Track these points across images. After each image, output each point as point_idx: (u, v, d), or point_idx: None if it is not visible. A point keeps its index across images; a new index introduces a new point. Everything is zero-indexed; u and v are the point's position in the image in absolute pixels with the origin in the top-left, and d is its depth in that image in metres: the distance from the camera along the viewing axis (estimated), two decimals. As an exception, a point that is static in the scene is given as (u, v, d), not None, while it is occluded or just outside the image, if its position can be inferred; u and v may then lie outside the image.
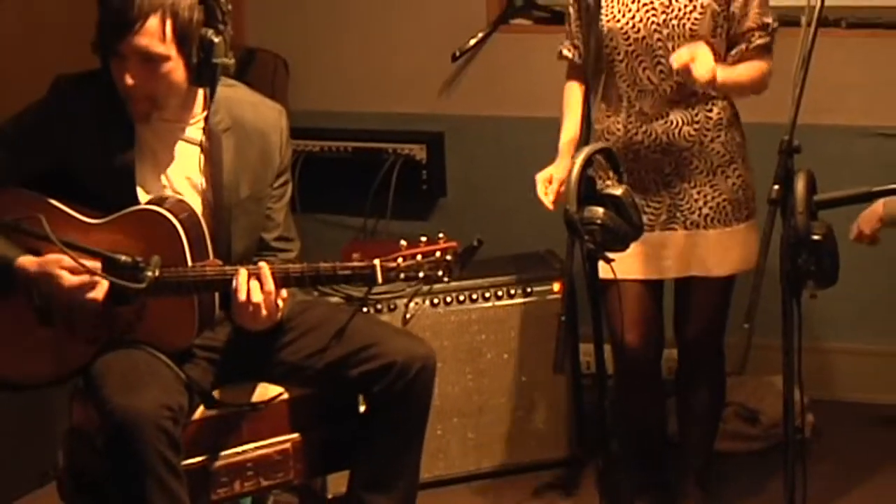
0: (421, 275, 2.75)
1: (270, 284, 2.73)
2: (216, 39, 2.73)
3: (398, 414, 2.88)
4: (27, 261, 2.73)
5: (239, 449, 2.88)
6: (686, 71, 2.97)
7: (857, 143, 3.98)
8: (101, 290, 2.70)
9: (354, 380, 2.88)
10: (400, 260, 2.73)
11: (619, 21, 3.15)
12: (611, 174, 2.88)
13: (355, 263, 2.74)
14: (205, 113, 2.86)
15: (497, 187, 4.34)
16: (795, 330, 2.44)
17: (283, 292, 2.77)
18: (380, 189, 4.28)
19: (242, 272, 2.73)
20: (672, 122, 3.18)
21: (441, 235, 2.77)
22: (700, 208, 3.21)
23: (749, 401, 3.91)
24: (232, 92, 2.87)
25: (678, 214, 3.22)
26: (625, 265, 2.85)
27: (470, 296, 3.69)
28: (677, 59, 2.98)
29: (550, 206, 3.14)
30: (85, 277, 2.69)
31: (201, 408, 2.84)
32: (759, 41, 3.16)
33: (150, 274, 2.63)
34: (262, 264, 2.75)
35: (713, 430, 3.47)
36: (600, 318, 2.77)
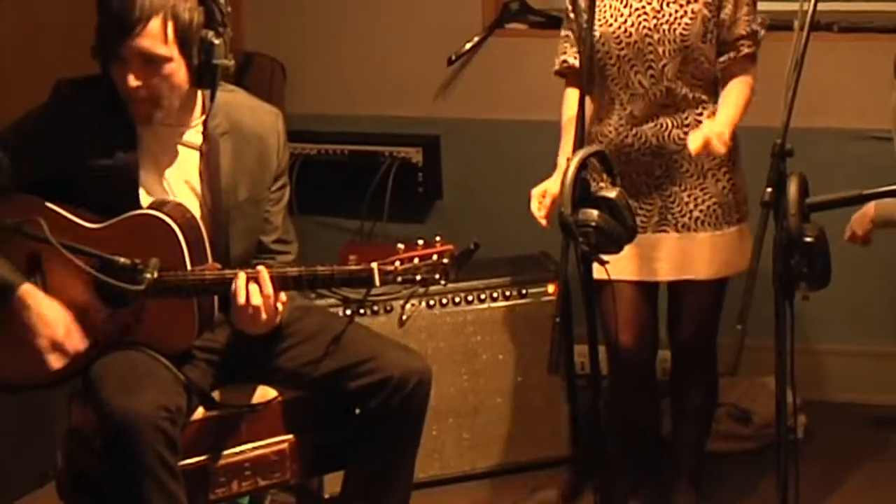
0: (418, 278, 2.75)
1: (269, 288, 2.73)
2: (216, 41, 2.74)
3: (394, 428, 2.89)
4: (32, 292, 2.72)
5: (237, 449, 2.89)
6: (706, 154, 2.99)
7: (850, 146, 3.99)
8: (63, 363, 2.72)
9: (352, 392, 2.88)
10: (397, 263, 2.74)
11: (611, 26, 3.16)
12: (604, 176, 2.90)
13: (353, 267, 2.74)
14: (203, 117, 2.86)
15: (493, 190, 4.34)
16: (788, 331, 2.45)
17: (283, 296, 2.77)
18: (376, 192, 4.28)
19: (241, 276, 2.73)
20: (662, 126, 3.19)
21: (438, 238, 2.78)
22: (690, 211, 3.22)
23: (742, 401, 3.91)
24: (230, 96, 2.88)
25: (669, 217, 3.23)
26: (619, 266, 2.86)
27: (465, 297, 3.70)
28: (693, 146, 2.99)
29: (543, 222, 3.16)
30: (71, 345, 2.71)
31: (200, 409, 2.84)
32: (747, 51, 3.18)
33: (148, 276, 2.64)
34: (261, 268, 2.76)
35: (706, 431, 3.48)
36: (595, 319, 2.78)
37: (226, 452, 2.87)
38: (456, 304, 3.70)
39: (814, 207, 2.42)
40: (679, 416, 3.46)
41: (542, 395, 3.76)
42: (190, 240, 2.77)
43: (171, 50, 2.71)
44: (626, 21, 3.16)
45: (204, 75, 2.76)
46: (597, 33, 3.14)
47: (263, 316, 2.74)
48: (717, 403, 3.54)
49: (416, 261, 2.74)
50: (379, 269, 2.73)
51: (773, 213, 2.42)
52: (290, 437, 2.94)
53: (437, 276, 2.76)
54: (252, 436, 2.90)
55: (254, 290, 2.73)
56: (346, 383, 2.87)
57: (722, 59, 3.19)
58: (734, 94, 3.17)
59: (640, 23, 3.14)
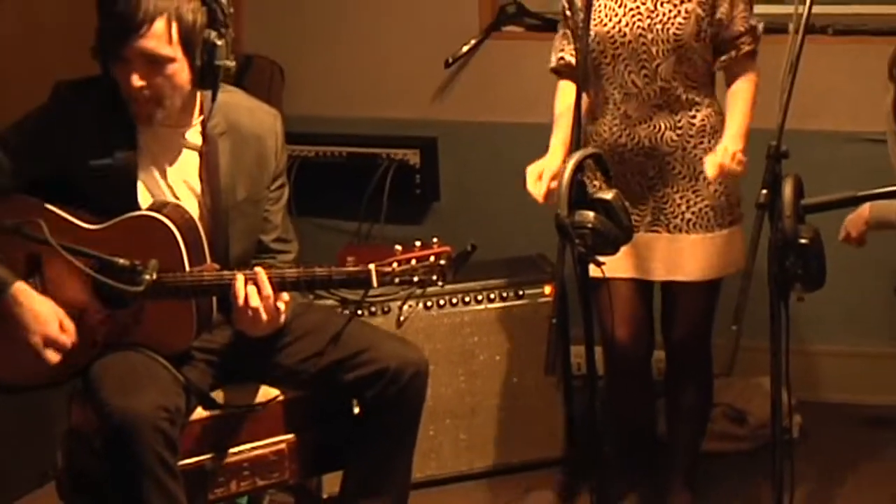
0: (415, 279, 2.76)
1: (268, 289, 2.74)
2: (219, 42, 2.75)
3: (391, 418, 2.89)
4: (24, 290, 2.71)
5: (235, 449, 2.90)
6: (725, 176, 2.99)
7: (844, 148, 4.00)
8: (58, 358, 2.72)
9: (348, 384, 2.89)
10: (395, 265, 2.75)
11: (605, 25, 3.17)
12: (598, 174, 2.91)
13: (351, 268, 2.75)
14: (202, 117, 2.87)
15: (489, 192, 4.35)
16: (783, 332, 2.46)
17: (285, 296, 2.78)
18: (374, 193, 4.29)
19: (239, 278, 2.74)
20: (655, 127, 3.20)
21: (435, 240, 2.79)
22: (683, 213, 3.22)
23: (737, 402, 3.91)
24: (229, 97, 2.88)
25: (662, 217, 3.24)
26: (614, 264, 2.87)
27: (462, 299, 3.71)
28: (710, 173, 3.00)
29: (540, 199, 3.12)
30: (65, 340, 2.71)
31: (199, 409, 2.85)
32: (748, 48, 3.18)
33: (147, 277, 2.64)
34: (259, 269, 2.76)
35: (701, 431, 3.49)
36: (591, 320, 2.79)
37: (225, 452, 2.88)
38: (453, 306, 3.71)
39: (809, 209, 2.43)
40: (673, 416, 3.47)
41: (538, 395, 3.77)
42: (188, 241, 2.77)
43: (175, 51, 2.71)
44: (620, 21, 3.16)
45: (206, 76, 2.77)
46: (592, 32, 3.14)
47: (264, 317, 2.76)
48: (711, 404, 3.54)
49: (413, 262, 2.75)
50: (377, 271, 2.74)
51: (768, 214, 2.43)
52: (288, 437, 2.95)
53: (434, 278, 2.77)
54: (251, 436, 2.91)
55: (252, 292, 2.74)
56: (342, 375, 2.88)
57: (723, 58, 3.20)
58: (740, 99, 3.17)
59: (634, 22, 3.15)
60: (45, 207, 2.79)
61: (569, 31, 3.30)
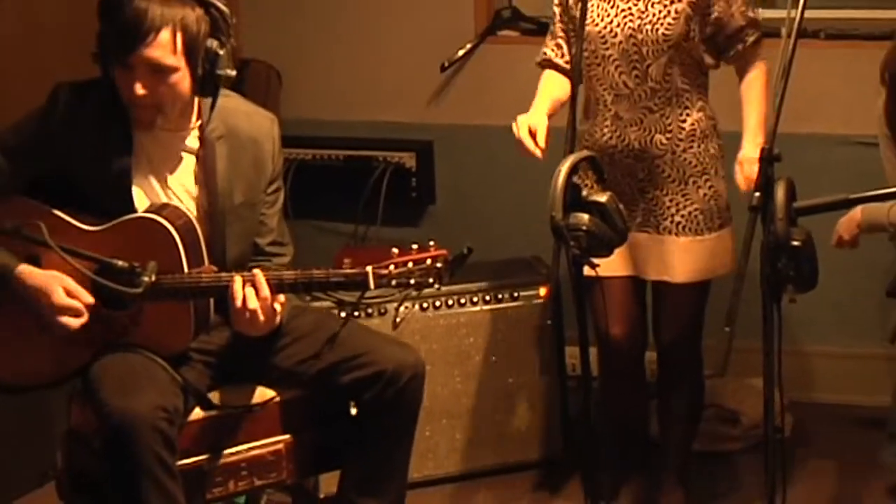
0: (412, 282, 2.76)
1: (266, 291, 2.75)
2: (221, 52, 2.76)
3: (388, 421, 2.90)
4: (27, 271, 2.74)
5: (233, 449, 2.90)
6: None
7: (836, 151, 4.01)
8: (79, 322, 2.72)
9: (346, 386, 2.90)
10: (392, 267, 2.75)
11: (597, 25, 3.17)
12: (590, 174, 2.92)
13: (348, 271, 2.76)
14: (199, 121, 2.88)
15: (485, 194, 4.36)
16: (775, 333, 2.47)
17: (281, 297, 2.79)
18: (370, 196, 4.30)
19: (237, 279, 2.75)
20: (646, 130, 3.20)
21: (432, 243, 2.79)
22: (672, 215, 3.23)
23: (730, 402, 3.92)
24: (227, 101, 2.88)
25: (651, 219, 3.25)
26: (607, 263, 2.85)
27: (458, 300, 3.71)
28: (743, 186, 3.05)
29: (539, 154, 3.07)
30: (76, 303, 2.72)
31: (197, 409, 2.86)
32: (752, 38, 3.19)
33: (146, 279, 2.65)
34: (257, 271, 2.77)
35: (692, 431, 3.49)
36: (585, 321, 2.80)
37: (222, 452, 2.89)
38: (449, 307, 3.71)
39: (801, 211, 2.44)
40: (665, 416, 3.48)
41: (533, 396, 3.78)
42: (187, 243, 2.78)
43: (179, 60, 2.72)
44: (612, 21, 3.17)
45: (207, 84, 2.78)
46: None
47: (261, 318, 2.76)
48: (703, 405, 3.55)
49: (410, 265, 2.76)
50: (374, 274, 2.75)
51: (760, 216, 2.44)
52: (286, 437, 2.95)
53: (430, 281, 2.77)
54: (248, 436, 2.92)
55: (250, 294, 2.75)
56: (340, 377, 2.89)
57: (731, 52, 3.21)
58: (754, 89, 3.17)
59: (625, 23, 3.15)
60: (45, 209, 2.80)
61: (557, 30, 3.30)
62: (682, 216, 3.23)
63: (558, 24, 3.30)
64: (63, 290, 2.72)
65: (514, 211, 4.31)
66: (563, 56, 3.30)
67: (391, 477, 2.96)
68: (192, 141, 2.88)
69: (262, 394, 2.95)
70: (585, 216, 2.65)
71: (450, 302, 3.71)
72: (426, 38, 4.35)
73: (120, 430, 2.63)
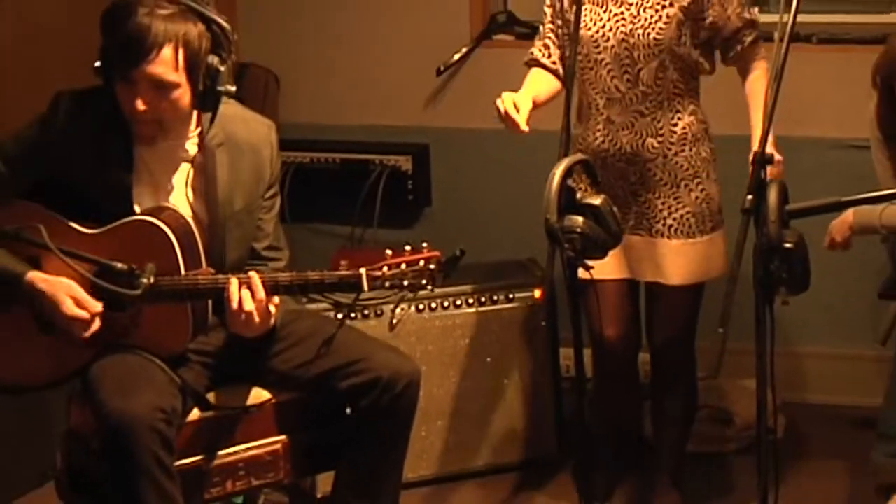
0: (405, 283, 2.77)
1: (262, 293, 2.76)
2: (222, 68, 2.76)
3: (384, 426, 2.91)
4: (37, 277, 2.75)
5: (231, 450, 2.91)
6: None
7: (829, 154, 4.01)
8: (92, 329, 2.74)
9: (342, 392, 2.91)
10: (385, 269, 2.76)
11: (590, 30, 3.18)
12: (584, 177, 2.93)
13: (342, 272, 2.76)
14: (199, 129, 2.88)
15: (480, 197, 4.37)
16: (768, 334, 2.47)
17: (276, 299, 2.79)
18: (367, 199, 4.30)
19: (234, 281, 2.75)
20: (637, 133, 3.21)
21: (425, 245, 2.80)
22: (664, 218, 3.24)
23: (723, 403, 3.93)
24: (225, 108, 2.88)
25: (644, 222, 3.26)
26: (601, 266, 2.86)
27: (454, 302, 3.72)
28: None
29: (525, 128, 3.06)
30: (85, 314, 2.73)
31: (195, 410, 2.87)
32: (751, 38, 3.20)
33: (145, 281, 2.66)
34: (253, 273, 2.78)
35: (686, 432, 3.50)
36: (580, 323, 2.81)
37: (220, 453, 2.90)
38: (444, 309, 3.72)
39: (793, 214, 2.45)
40: (659, 418, 3.49)
41: (527, 396, 3.79)
42: (184, 245, 2.79)
43: (181, 76, 2.73)
44: (604, 25, 3.17)
45: (207, 100, 2.79)
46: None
47: (257, 319, 2.77)
48: (696, 406, 3.55)
49: (403, 267, 2.77)
50: (367, 275, 2.76)
51: (753, 219, 2.45)
52: (283, 437, 2.96)
53: (423, 282, 2.78)
54: (246, 436, 2.93)
55: (246, 296, 2.76)
56: (337, 383, 2.90)
57: (731, 54, 3.22)
58: (759, 92, 3.14)
59: (617, 27, 3.16)
60: (44, 212, 2.81)
61: (546, 31, 3.30)
62: (674, 219, 3.24)
63: (548, 26, 3.31)
64: (72, 300, 2.73)
65: (510, 213, 4.33)
66: (549, 56, 3.31)
67: (386, 478, 2.97)
68: (192, 149, 2.89)
69: (259, 395, 2.95)
70: (580, 219, 2.66)
71: (445, 303, 3.72)
72: (422, 42, 4.35)
73: (118, 431, 2.64)
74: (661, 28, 3.14)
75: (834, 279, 3.90)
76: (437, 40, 4.34)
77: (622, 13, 3.17)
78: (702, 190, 3.25)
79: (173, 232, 2.78)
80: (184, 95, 2.76)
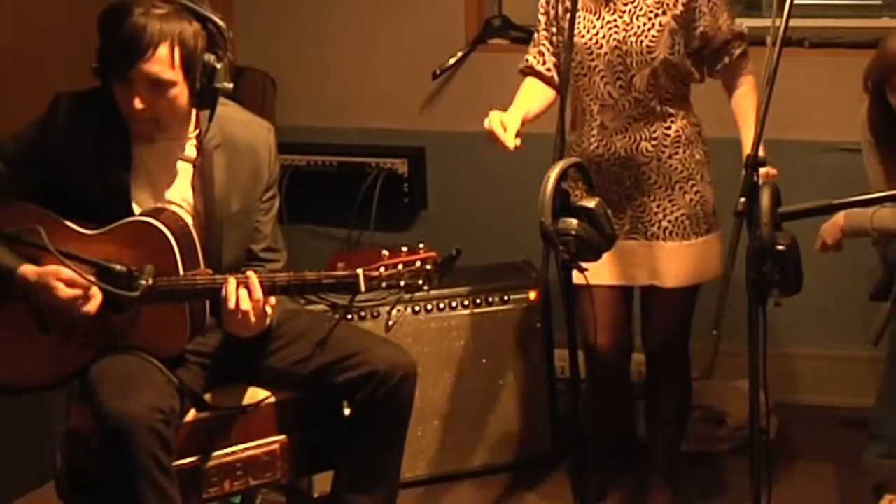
0: (402, 283, 2.78)
1: (258, 293, 2.77)
2: (218, 66, 2.78)
3: (380, 420, 2.92)
4: (28, 270, 2.76)
5: (228, 450, 2.92)
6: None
7: (821, 157, 4.02)
8: (94, 303, 2.73)
9: (339, 386, 2.92)
10: (382, 269, 2.77)
11: (583, 37, 3.19)
12: (580, 183, 2.95)
13: (339, 273, 2.78)
14: (197, 131, 2.89)
15: (476, 200, 4.39)
16: (761, 336, 2.48)
17: (272, 299, 2.80)
18: (363, 202, 4.31)
19: (231, 281, 2.76)
20: (631, 138, 3.22)
21: (421, 246, 2.81)
22: (659, 221, 3.25)
23: (716, 404, 3.93)
24: (224, 110, 2.90)
25: (639, 225, 3.27)
26: (597, 271, 2.90)
27: (450, 303, 3.74)
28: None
29: (511, 145, 3.06)
30: (79, 291, 2.72)
31: (193, 410, 2.88)
32: (739, 51, 3.21)
33: (143, 283, 2.68)
34: (250, 273, 2.79)
35: (680, 433, 3.51)
36: (574, 325, 2.83)
37: (218, 453, 2.91)
38: (440, 310, 3.73)
39: (786, 217, 2.47)
40: (653, 419, 3.50)
41: (522, 397, 3.80)
42: (183, 246, 2.80)
43: (177, 75, 2.74)
44: (597, 33, 3.19)
45: (205, 98, 2.80)
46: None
47: (253, 319, 2.78)
48: (690, 407, 3.57)
49: (400, 267, 2.78)
50: (364, 276, 2.77)
51: (746, 221, 2.46)
52: (280, 437, 2.97)
53: (420, 283, 2.79)
54: (243, 437, 2.94)
55: (243, 295, 2.77)
56: (333, 377, 2.91)
57: (718, 66, 3.23)
58: (748, 105, 3.14)
59: (610, 35, 3.17)
60: (43, 213, 2.81)
61: (540, 38, 3.31)
62: (669, 221, 3.26)
63: (542, 32, 3.32)
64: (62, 283, 2.73)
65: (505, 216, 4.34)
66: (544, 63, 3.31)
67: (384, 475, 2.98)
68: (190, 150, 2.90)
69: (257, 395, 2.96)
70: (574, 221, 2.67)
71: (441, 305, 3.74)
72: (418, 46, 4.36)
73: (117, 431, 2.65)
74: (653, 36, 3.16)
75: (826, 281, 3.92)
76: (432, 44, 4.35)
77: (615, 21, 3.18)
78: (696, 192, 3.27)
79: (172, 233, 2.79)
80: (181, 94, 2.77)
